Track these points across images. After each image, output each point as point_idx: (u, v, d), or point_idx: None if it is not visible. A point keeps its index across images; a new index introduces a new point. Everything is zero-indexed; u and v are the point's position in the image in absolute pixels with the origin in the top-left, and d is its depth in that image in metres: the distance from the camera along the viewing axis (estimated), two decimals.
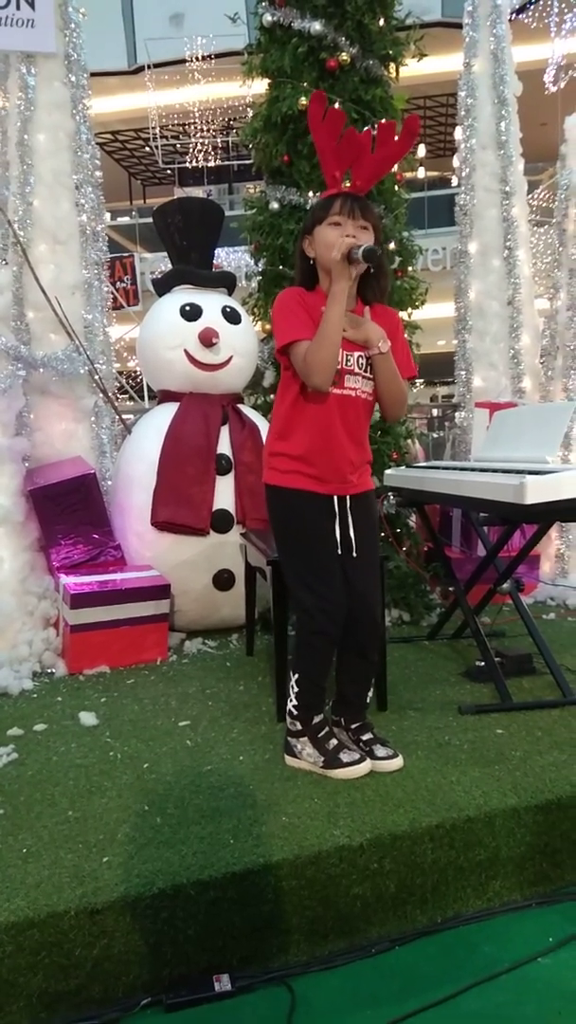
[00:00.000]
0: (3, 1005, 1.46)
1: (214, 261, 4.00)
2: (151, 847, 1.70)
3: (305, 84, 3.60)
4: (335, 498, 2.04)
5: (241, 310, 3.80)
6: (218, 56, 13.65)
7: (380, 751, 2.08)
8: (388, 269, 2.15)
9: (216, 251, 4.01)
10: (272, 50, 3.72)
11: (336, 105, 3.57)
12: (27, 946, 1.48)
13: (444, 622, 3.39)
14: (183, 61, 14.19)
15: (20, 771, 2.14)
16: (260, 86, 3.90)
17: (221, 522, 3.42)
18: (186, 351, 3.55)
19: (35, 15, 3.70)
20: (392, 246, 3.77)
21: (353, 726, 2.16)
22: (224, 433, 3.53)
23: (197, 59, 13.99)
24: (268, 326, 4.03)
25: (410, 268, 3.94)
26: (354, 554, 2.06)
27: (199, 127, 15.49)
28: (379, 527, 2.13)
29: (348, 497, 2.06)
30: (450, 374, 4.75)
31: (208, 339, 3.50)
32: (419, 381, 4.09)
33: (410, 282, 3.90)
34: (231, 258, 11.29)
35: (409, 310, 3.92)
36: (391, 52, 3.75)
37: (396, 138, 2.05)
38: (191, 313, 3.59)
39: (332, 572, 2.04)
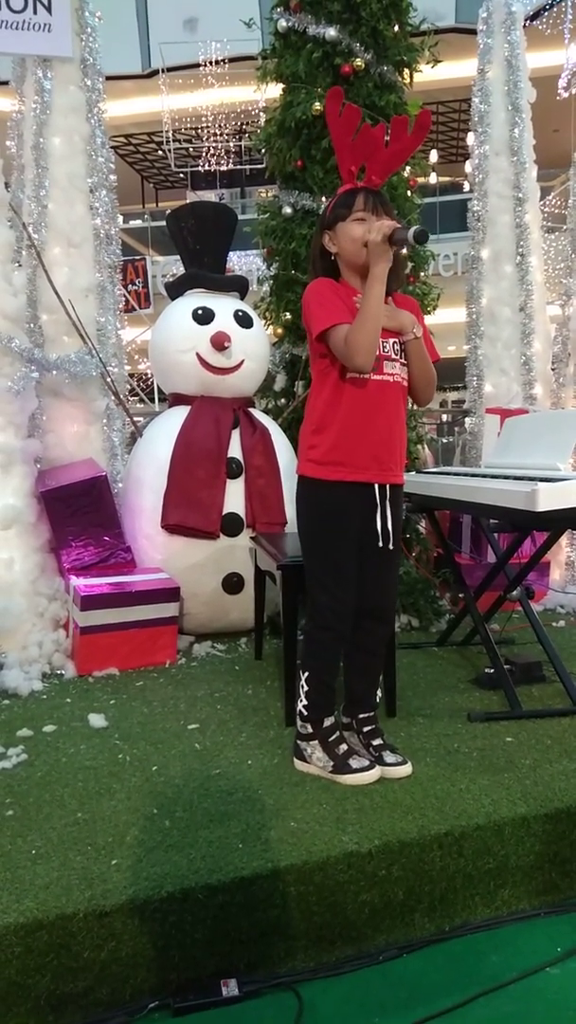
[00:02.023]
0: (11, 1006, 1.47)
1: (226, 265, 4.01)
2: (160, 850, 1.70)
3: (319, 89, 3.60)
4: (376, 486, 2.02)
5: (253, 314, 3.80)
6: (232, 61, 13.70)
7: (389, 757, 2.08)
8: (404, 259, 2.17)
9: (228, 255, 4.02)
10: (287, 55, 3.74)
11: None
12: (36, 947, 1.48)
13: (453, 628, 3.38)
14: (197, 65, 14.24)
15: (30, 772, 2.14)
16: (274, 91, 3.91)
17: (231, 526, 3.42)
18: (198, 354, 3.56)
19: (52, 19, 3.72)
20: (404, 251, 3.77)
21: (365, 729, 2.16)
22: (235, 437, 3.54)
23: (211, 63, 14.04)
24: (280, 330, 4.03)
25: (422, 273, 3.94)
26: (391, 546, 2.06)
27: (212, 131, 15.54)
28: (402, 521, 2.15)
29: (388, 486, 2.04)
30: (460, 379, 4.75)
31: (220, 343, 3.51)
32: None
33: (422, 287, 3.90)
34: (243, 262, 11.31)
35: None
36: (405, 58, 3.76)
37: (409, 132, 2.06)
38: (203, 317, 3.60)
39: (349, 571, 2.04)
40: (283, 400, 4.10)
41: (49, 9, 3.72)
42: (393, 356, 2.01)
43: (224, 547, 3.42)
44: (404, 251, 1.98)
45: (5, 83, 4.38)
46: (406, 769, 2.05)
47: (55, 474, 3.58)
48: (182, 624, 3.40)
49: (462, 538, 4.20)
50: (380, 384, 1.99)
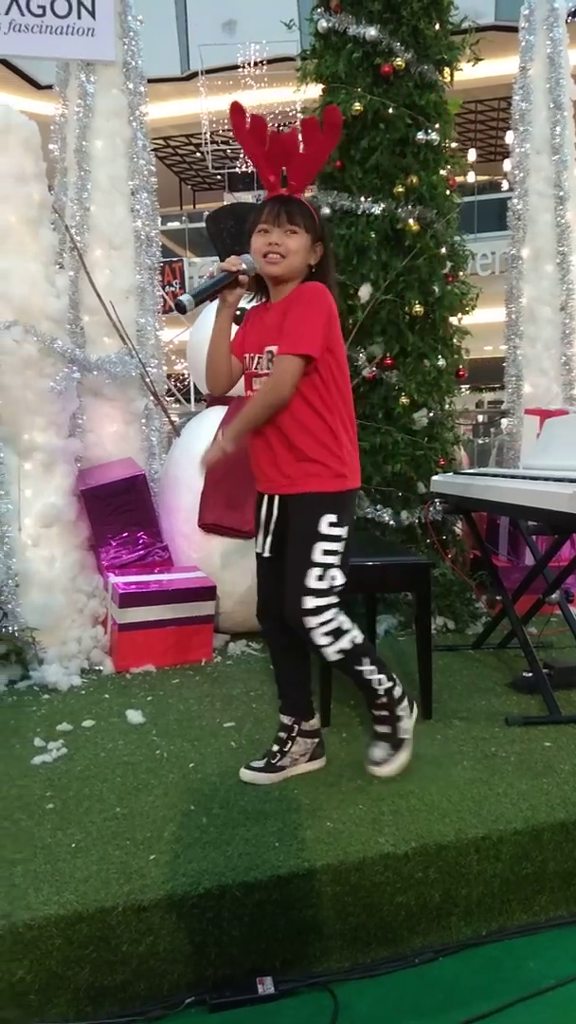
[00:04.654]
0: (51, 997, 1.49)
1: None
2: (197, 847, 1.72)
3: (359, 89, 3.60)
4: (266, 497, 2.04)
5: None
6: (270, 62, 13.73)
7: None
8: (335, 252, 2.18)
9: None
10: (327, 56, 3.73)
11: (390, 111, 3.58)
12: (75, 939, 1.50)
13: (490, 631, 3.35)
14: (235, 67, 14.30)
15: (69, 766, 2.18)
16: (313, 91, 3.91)
17: None
18: None
19: (95, 24, 3.77)
20: (444, 251, 3.75)
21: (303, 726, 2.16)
22: None
23: (250, 65, 14.09)
24: None
25: (461, 273, 3.91)
26: (266, 554, 2.06)
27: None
28: (312, 531, 1.95)
29: (277, 497, 2.02)
30: (496, 380, 4.70)
31: None
32: (465, 387, 4.06)
33: (461, 287, 3.87)
34: None
35: (459, 315, 3.89)
36: (446, 57, 3.73)
37: (321, 132, 1.99)
38: (241, 318, 3.60)
39: (260, 571, 2.10)
40: None
41: (93, 14, 3.77)
42: (260, 372, 1.99)
43: None
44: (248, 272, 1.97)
45: (48, 87, 4.44)
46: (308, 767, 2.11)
47: (95, 473, 3.63)
48: (218, 623, 3.42)
49: (499, 540, 4.16)
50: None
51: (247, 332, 2.08)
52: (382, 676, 2.03)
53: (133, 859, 1.68)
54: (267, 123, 2.03)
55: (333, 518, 1.95)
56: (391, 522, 3.64)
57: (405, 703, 2.08)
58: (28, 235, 3.29)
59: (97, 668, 3.12)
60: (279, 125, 15.40)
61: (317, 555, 1.93)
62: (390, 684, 2.04)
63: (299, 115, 4.04)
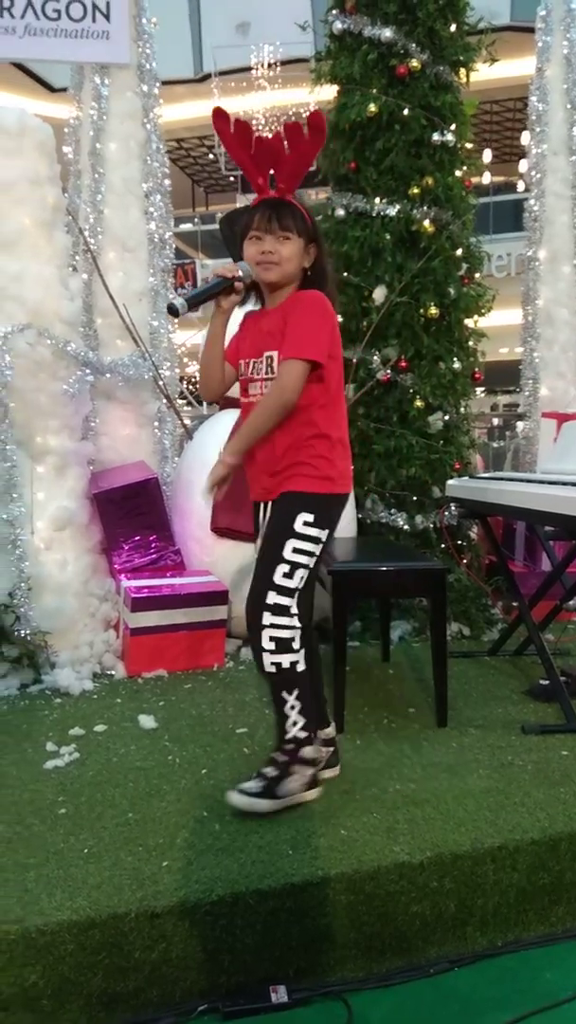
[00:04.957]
0: (64, 1003, 1.48)
1: None
2: (210, 853, 1.71)
3: (374, 90, 3.59)
4: (257, 505, 2.04)
5: None
6: (284, 63, 13.72)
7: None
8: (329, 254, 2.12)
9: None
10: (341, 57, 3.73)
11: (405, 112, 3.56)
12: (88, 945, 1.49)
13: (506, 638, 3.32)
14: (249, 69, 14.30)
15: (82, 771, 2.17)
16: (327, 93, 3.90)
17: None
18: None
19: (110, 27, 3.78)
20: (459, 252, 3.74)
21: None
22: None
23: (263, 67, 14.08)
24: None
25: (477, 275, 3.89)
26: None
27: (264, 134, 15.58)
28: (286, 526, 1.91)
29: (263, 504, 2.01)
30: (511, 382, 4.69)
31: None
32: (480, 390, 4.04)
33: (476, 289, 3.85)
34: None
35: (475, 317, 3.87)
36: (462, 58, 3.72)
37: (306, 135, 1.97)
38: None
39: None
40: None
41: (108, 17, 3.78)
42: (256, 377, 1.97)
43: None
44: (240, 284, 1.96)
45: (63, 90, 4.46)
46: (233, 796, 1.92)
47: (107, 476, 3.63)
48: (230, 627, 3.40)
49: (515, 545, 4.13)
50: (247, 406, 2.00)
51: (242, 338, 2.06)
52: (301, 721, 1.91)
53: (146, 865, 1.67)
54: (251, 127, 2.01)
55: (309, 517, 1.91)
56: (405, 527, 3.63)
57: (308, 771, 1.93)
58: (42, 238, 3.29)
59: (109, 672, 3.11)
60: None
61: (287, 551, 1.89)
62: (303, 735, 1.92)
63: None
